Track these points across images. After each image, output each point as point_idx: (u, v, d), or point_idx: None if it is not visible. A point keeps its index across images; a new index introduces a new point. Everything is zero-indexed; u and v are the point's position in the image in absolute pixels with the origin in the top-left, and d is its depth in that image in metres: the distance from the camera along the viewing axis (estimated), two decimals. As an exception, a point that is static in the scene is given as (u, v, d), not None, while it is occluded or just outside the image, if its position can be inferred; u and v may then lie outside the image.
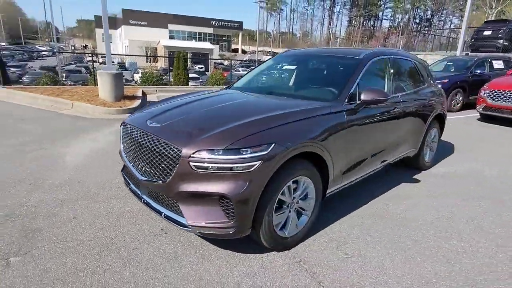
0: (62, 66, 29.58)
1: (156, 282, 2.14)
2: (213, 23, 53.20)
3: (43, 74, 13.59)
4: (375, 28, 75.77)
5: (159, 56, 34.26)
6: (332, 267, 2.34)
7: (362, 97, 2.86)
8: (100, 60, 36.33)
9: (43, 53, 48.37)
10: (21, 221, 2.84)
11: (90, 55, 43.17)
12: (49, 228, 2.73)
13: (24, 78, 21.54)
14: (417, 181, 4.05)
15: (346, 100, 2.88)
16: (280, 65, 3.91)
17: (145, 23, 48.19)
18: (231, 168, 2.09)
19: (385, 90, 3.45)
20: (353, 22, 77.71)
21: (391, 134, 3.48)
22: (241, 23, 55.82)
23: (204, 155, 2.10)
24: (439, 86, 4.80)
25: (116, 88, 8.12)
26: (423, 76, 4.21)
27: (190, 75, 20.33)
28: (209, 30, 53.16)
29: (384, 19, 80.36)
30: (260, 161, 2.12)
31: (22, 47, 62.67)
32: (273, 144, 2.19)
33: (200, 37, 52.42)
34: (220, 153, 2.10)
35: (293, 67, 3.74)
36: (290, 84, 3.59)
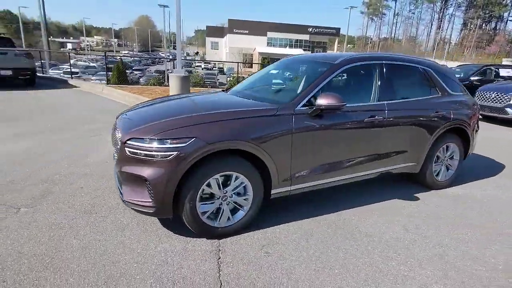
0: (172, 70, 34.42)
1: (96, 243, 2.63)
2: (310, 30, 53.55)
3: (153, 77, 16.61)
4: (496, 31, 63.89)
5: (250, 63, 36.38)
6: (242, 261, 2.46)
7: (317, 102, 2.84)
8: (202, 66, 40.51)
9: (162, 59, 56.40)
10: (48, 185, 3.72)
11: (199, 61, 49.00)
12: (60, 193, 3.53)
13: (141, 80, 25.96)
14: (416, 199, 3.64)
15: (302, 104, 2.90)
16: (274, 70, 4.03)
17: (247, 32, 51.65)
18: (153, 156, 2.44)
19: (371, 97, 3.29)
20: (469, 25, 67.04)
21: (370, 143, 3.26)
22: (338, 29, 54.75)
23: (134, 142, 2.50)
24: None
25: (182, 88, 9.21)
26: (437, 84, 3.74)
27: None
28: (306, 37, 53.72)
29: (510, 20, 67.05)
30: (177, 152, 2.41)
31: (149, 53, 74.65)
32: (194, 139, 2.45)
33: (296, 44, 53.45)
34: (146, 141, 2.47)
35: (277, 71, 3.84)
36: (265, 87, 3.69)
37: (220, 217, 2.72)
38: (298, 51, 47.41)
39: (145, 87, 12.02)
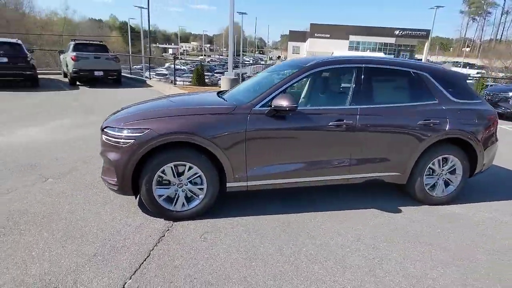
0: (250, 73, 36.08)
1: (80, 210, 3.20)
2: (397, 32, 49.82)
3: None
4: None
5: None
6: (178, 242, 2.73)
7: (272, 103, 2.95)
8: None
9: (245, 62, 59.26)
10: (79, 164, 4.54)
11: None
12: (83, 170, 4.29)
13: (219, 82, 28.13)
14: (397, 211, 3.39)
15: (261, 104, 3.04)
16: (266, 73, 4.16)
17: (328, 36, 50.84)
18: (118, 142, 2.90)
19: (343, 101, 3.24)
20: None
21: (338, 148, 3.19)
22: (428, 31, 49.57)
23: (108, 130, 3.00)
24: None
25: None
26: (433, 90, 3.40)
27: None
28: (391, 40, 50.19)
29: None
30: (133, 140, 2.83)
31: (233, 58, 79.66)
32: (148, 130, 2.83)
33: (380, 47, 50.37)
34: (115, 130, 2.95)
35: (268, 74, 3.97)
36: (251, 89, 3.84)
37: (176, 202, 3.04)
38: (379, 55, 44.73)
39: (208, 88, 13.07)
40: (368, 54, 45.33)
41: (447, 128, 3.34)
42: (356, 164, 3.27)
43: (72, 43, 13.43)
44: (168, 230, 2.93)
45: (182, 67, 46.86)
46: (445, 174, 3.54)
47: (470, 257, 2.66)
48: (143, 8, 29.19)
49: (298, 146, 3.12)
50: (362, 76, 3.25)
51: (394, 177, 3.41)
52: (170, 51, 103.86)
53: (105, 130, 3.04)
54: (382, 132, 3.24)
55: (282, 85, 3.11)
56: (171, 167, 2.95)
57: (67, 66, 13.07)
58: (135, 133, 2.85)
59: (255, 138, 3.00)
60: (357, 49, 50.13)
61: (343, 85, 3.28)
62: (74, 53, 12.52)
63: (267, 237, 2.84)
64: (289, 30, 67.06)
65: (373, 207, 3.46)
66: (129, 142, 2.84)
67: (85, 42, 14.22)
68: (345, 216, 3.27)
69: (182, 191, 3.05)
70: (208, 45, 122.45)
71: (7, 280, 2.21)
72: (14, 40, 11.87)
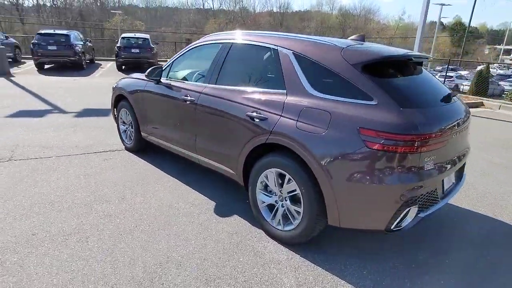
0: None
1: (98, 127, 5.31)
2: None
3: None
4: None
5: None
6: (97, 157, 4.12)
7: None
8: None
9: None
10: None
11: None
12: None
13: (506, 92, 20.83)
14: (226, 214, 2.77)
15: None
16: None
17: None
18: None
19: (203, 78, 3.14)
20: None
21: (186, 124, 3.20)
22: None
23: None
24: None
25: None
26: (286, 75, 2.30)
27: None
28: None
29: None
30: (114, 87, 4.43)
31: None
32: (117, 83, 4.34)
33: None
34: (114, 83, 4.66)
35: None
36: None
37: (126, 137, 4.41)
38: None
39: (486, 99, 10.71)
40: None
41: (272, 129, 2.27)
42: (199, 145, 3.06)
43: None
44: (116, 150, 4.39)
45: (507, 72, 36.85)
46: (286, 200, 2.36)
47: None
48: (443, 5, 26.33)
49: (167, 115, 3.47)
50: (222, 53, 2.88)
51: (229, 174, 2.81)
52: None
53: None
54: (211, 115, 2.84)
55: (172, 59, 3.51)
56: (125, 111, 4.30)
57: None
58: (115, 84, 4.46)
59: (147, 100, 3.71)
60: None
61: (207, 61, 3.04)
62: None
63: (126, 176, 3.62)
64: None
65: (216, 202, 3.06)
66: (113, 88, 4.50)
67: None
68: (186, 193, 3.25)
69: (129, 131, 4.35)
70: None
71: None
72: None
